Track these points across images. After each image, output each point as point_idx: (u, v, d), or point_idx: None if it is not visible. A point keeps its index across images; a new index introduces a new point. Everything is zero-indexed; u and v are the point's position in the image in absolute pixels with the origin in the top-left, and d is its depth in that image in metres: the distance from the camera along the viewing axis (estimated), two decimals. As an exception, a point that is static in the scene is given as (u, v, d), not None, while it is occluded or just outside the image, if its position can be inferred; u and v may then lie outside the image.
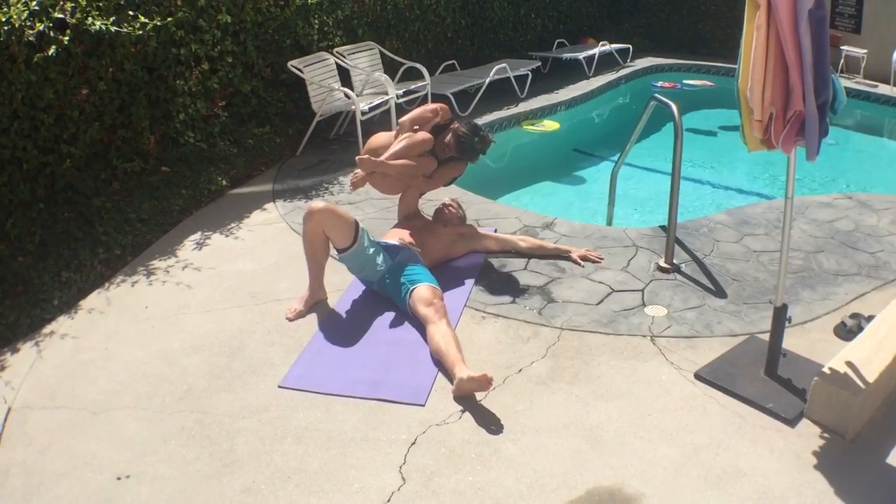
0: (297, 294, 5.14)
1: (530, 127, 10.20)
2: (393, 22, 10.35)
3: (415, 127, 5.55)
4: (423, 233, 5.45)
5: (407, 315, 4.88)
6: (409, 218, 5.72)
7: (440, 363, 4.36)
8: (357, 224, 4.95)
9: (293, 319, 4.94)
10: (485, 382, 4.02)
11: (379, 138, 5.72)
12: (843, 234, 6.07)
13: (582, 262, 5.59)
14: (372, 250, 4.99)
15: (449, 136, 5.56)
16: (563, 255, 5.66)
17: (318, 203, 4.87)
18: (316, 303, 5.09)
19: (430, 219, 5.86)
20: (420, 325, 4.72)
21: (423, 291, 4.77)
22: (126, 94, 6.63)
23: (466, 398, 4.09)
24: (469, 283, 5.31)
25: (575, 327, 4.77)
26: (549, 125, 10.37)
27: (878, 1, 12.52)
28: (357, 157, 5.30)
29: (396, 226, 5.66)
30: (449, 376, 4.22)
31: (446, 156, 5.64)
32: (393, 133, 5.69)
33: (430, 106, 5.68)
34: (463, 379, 4.04)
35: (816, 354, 4.37)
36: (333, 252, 5.12)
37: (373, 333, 4.76)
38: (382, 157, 5.33)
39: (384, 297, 5.11)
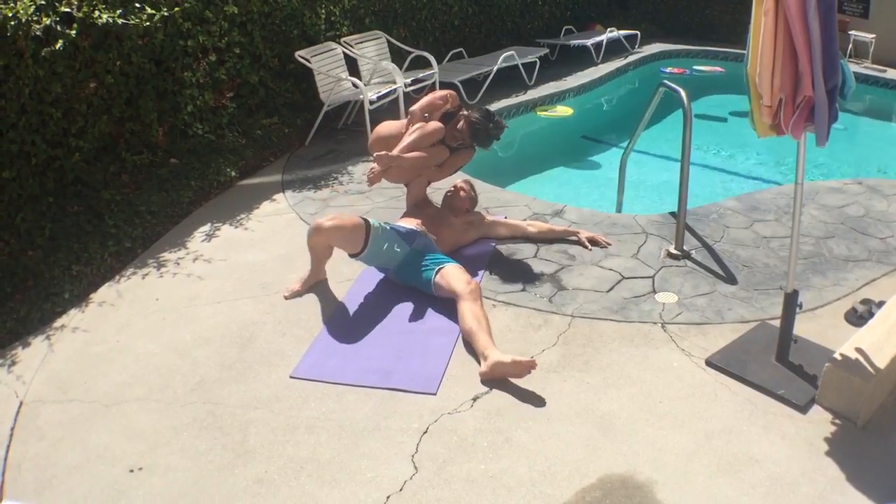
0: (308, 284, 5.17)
1: (544, 113, 10.18)
2: (400, 11, 10.33)
3: (424, 115, 5.51)
4: (435, 222, 5.43)
5: (422, 300, 4.91)
6: (418, 206, 5.68)
7: (470, 342, 4.38)
8: (367, 227, 4.90)
9: (289, 298, 5.04)
10: (524, 368, 4.07)
11: (386, 127, 5.71)
12: (853, 219, 6.04)
13: (590, 246, 5.59)
14: (386, 245, 4.97)
15: (461, 124, 5.53)
16: (571, 240, 5.68)
17: (326, 221, 4.83)
18: (315, 283, 5.17)
19: (440, 206, 5.85)
20: (433, 313, 4.79)
21: (454, 270, 4.82)
22: (134, 86, 6.63)
23: (478, 386, 4.10)
24: (479, 271, 5.31)
25: (586, 315, 4.77)
26: (563, 111, 10.37)
27: (886, -15, 12.45)
28: (374, 154, 5.26)
29: (406, 214, 5.62)
30: (478, 356, 4.25)
31: (457, 143, 5.61)
32: (401, 122, 5.66)
33: (440, 93, 5.63)
34: (505, 363, 4.06)
35: (827, 340, 4.36)
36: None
37: (384, 323, 4.77)
38: (396, 150, 5.29)
39: (398, 282, 5.12)
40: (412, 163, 5.37)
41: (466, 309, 4.50)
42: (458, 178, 6.07)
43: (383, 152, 5.24)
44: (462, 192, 5.78)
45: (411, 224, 5.21)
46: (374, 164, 5.22)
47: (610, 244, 5.65)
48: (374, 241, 4.90)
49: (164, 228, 6.20)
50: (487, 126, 5.50)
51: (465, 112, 5.59)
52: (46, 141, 5.91)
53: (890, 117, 11.38)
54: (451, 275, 4.78)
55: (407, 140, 5.38)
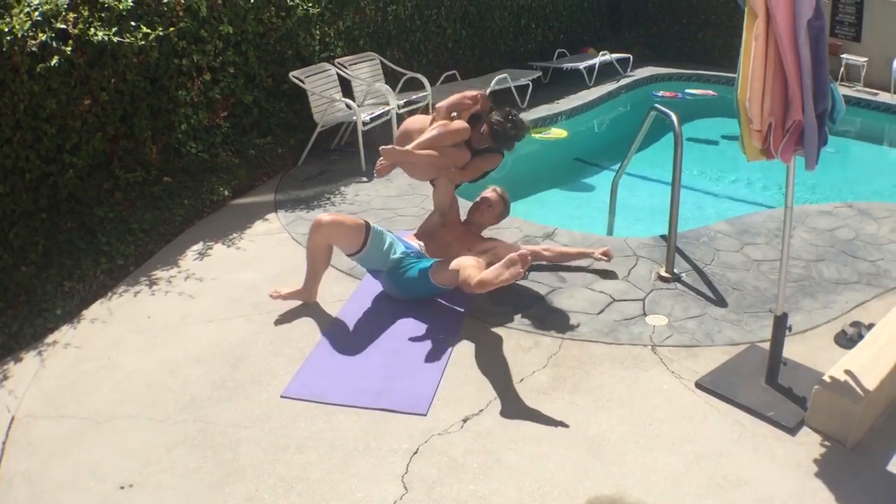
0: (300, 304, 5.17)
1: (538, 135, 10.22)
2: (394, 32, 10.39)
3: (452, 114, 5.32)
4: (445, 256, 5.23)
5: (414, 320, 4.93)
6: (442, 212, 5.46)
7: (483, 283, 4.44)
8: (367, 228, 4.95)
9: (274, 298, 5.13)
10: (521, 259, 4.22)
11: (415, 122, 5.50)
12: (843, 242, 6.08)
13: (607, 258, 5.60)
14: (386, 245, 5.00)
15: (484, 127, 5.29)
16: (585, 256, 5.67)
17: (325, 216, 4.91)
18: (302, 304, 5.18)
19: (466, 221, 5.65)
20: (425, 334, 4.81)
21: (446, 262, 4.85)
22: (128, 104, 6.66)
23: (468, 407, 4.11)
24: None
25: (576, 337, 4.78)
26: (557, 133, 10.41)
27: (878, 9, 12.56)
28: (381, 148, 5.08)
29: (425, 232, 5.48)
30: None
31: (482, 146, 5.39)
32: (429, 117, 5.43)
33: (469, 92, 5.42)
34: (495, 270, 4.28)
35: (817, 363, 4.38)
36: (336, 262, 5.15)
37: (375, 343, 4.77)
38: (411, 146, 5.10)
39: (390, 291, 5.15)
40: (424, 161, 5.15)
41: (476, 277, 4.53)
42: (490, 188, 5.77)
43: (391, 147, 5.06)
44: (485, 206, 5.58)
45: (413, 242, 5.24)
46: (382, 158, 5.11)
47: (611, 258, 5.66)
48: (373, 240, 4.93)
49: (157, 246, 6.20)
50: (506, 127, 5.26)
51: (491, 115, 5.36)
52: (41, 157, 5.92)
53: (881, 140, 11.46)
54: (443, 264, 4.83)
55: (425, 136, 5.16)
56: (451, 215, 5.53)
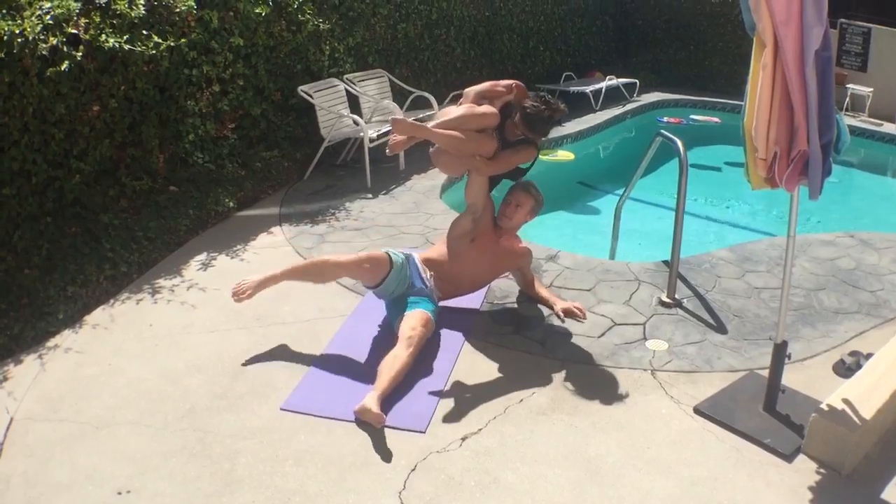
0: (302, 318, 5.23)
1: (545, 157, 10.23)
2: (403, 50, 10.44)
3: (482, 101, 4.90)
4: (460, 275, 5.21)
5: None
6: (468, 246, 5.18)
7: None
8: (390, 265, 4.90)
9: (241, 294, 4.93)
10: (376, 419, 4.04)
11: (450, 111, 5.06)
12: (844, 272, 6.09)
13: (563, 317, 5.28)
14: (399, 280, 4.96)
15: (517, 114, 4.83)
16: (545, 304, 5.47)
17: (346, 258, 4.91)
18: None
19: (498, 229, 5.28)
20: (424, 351, 4.76)
21: (412, 317, 4.75)
22: (137, 112, 6.68)
23: (467, 426, 4.12)
24: (472, 312, 5.34)
25: (576, 359, 4.79)
26: (564, 155, 10.44)
27: (885, 40, 12.63)
28: (392, 118, 4.81)
29: (449, 252, 5.24)
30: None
31: (515, 139, 4.95)
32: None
33: (504, 81, 4.99)
34: (365, 406, 4.05)
35: (815, 391, 4.39)
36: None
37: (376, 359, 4.73)
38: (430, 124, 4.72)
39: (388, 312, 5.13)
40: (442, 141, 4.73)
41: (392, 352, 4.49)
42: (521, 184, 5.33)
43: (401, 117, 4.73)
44: (512, 208, 5.22)
45: (426, 270, 5.13)
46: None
47: (585, 318, 5.27)
48: (392, 277, 4.90)
49: (161, 255, 6.22)
50: (541, 109, 4.77)
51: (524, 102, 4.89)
52: (47, 161, 5.94)
53: (885, 171, 11.50)
54: (406, 320, 4.74)
55: (448, 117, 4.77)
56: (485, 219, 5.17)
